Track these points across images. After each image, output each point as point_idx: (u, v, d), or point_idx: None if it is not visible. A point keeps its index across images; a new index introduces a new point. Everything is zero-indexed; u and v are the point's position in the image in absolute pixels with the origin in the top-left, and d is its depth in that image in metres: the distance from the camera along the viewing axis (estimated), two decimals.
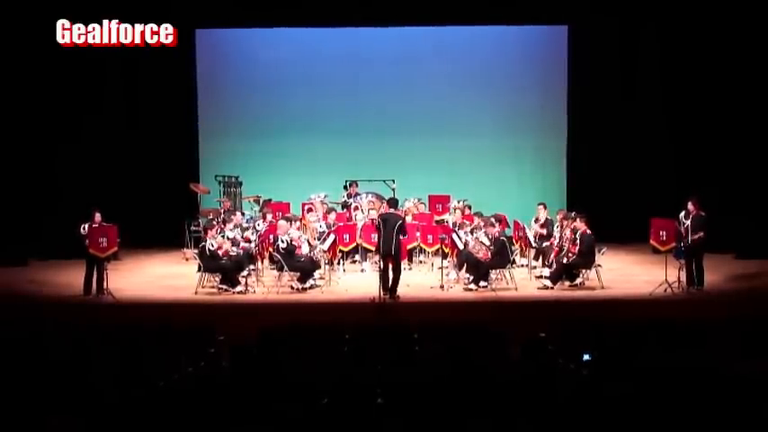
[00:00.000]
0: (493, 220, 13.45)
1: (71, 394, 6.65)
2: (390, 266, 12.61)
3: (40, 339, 8.73)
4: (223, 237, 13.33)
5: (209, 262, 13.02)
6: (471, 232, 13.79)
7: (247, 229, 14.46)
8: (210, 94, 18.22)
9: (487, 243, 13.14)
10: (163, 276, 14.64)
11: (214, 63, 18.27)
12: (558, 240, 13.79)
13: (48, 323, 10.33)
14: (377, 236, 12.91)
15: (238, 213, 15.25)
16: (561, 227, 13.93)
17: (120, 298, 12.69)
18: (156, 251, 16.90)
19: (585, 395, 6.59)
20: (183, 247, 16.34)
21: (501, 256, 13.10)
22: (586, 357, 7.68)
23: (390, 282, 12.59)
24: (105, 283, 12.84)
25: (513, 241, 14.15)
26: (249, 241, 14.00)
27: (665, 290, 12.66)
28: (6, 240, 15.87)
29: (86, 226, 13.16)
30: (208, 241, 13.08)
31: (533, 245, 14.33)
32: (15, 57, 16.25)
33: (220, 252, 13.00)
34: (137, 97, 17.94)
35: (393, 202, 13.31)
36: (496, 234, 13.22)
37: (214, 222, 13.91)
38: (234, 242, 13.41)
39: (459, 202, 15.25)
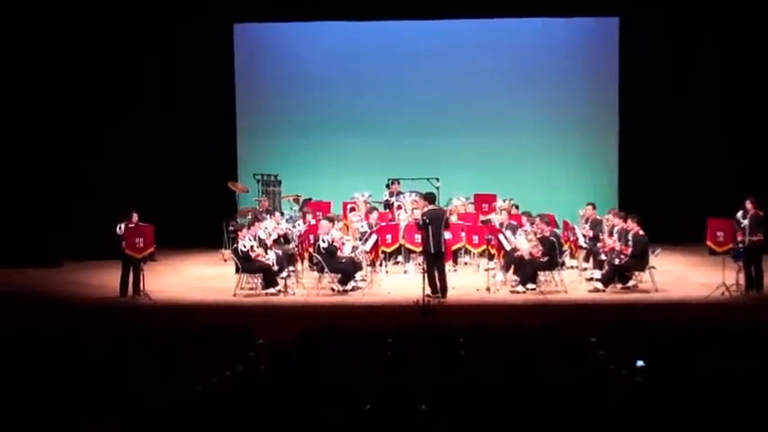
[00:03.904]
0: (548, 219, 13.27)
1: (108, 397, 6.60)
2: (436, 265, 12.43)
3: (75, 341, 8.61)
4: (256, 238, 13.16)
5: (246, 263, 12.86)
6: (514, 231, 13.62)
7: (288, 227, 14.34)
8: (249, 90, 18.06)
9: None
10: (201, 277, 14.56)
11: (253, 58, 18.14)
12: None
13: (83, 325, 10.19)
14: (422, 235, 12.67)
15: (277, 213, 15.14)
16: (610, 227, 13.62)
17: (157, 299, 12.63)
18: (193, 251, 16.80)
19: (639, 403, 6.37)
20: (221, 247, 16.18)
21: (550, 257, 12.83)
22: (640, 363, 7.41)
23: (440, 281, 12.42)
24: (142, 285, 12.78)
25: (563, 242, 13.78)
26: (288, 241, 13.73)
27: (723, 293, 12.39)
28: (41, 241, 15.84)
29: (123, 226, 13.08)
30: (239, 243, 12.92)
31: (584, 246, 14.01)
32: (50, 55, 16.25)
33: (252, 254, 12.82)
34: (174, 94, 17.85)
35: (432, 197, 13.09)
36: (546, 234, 12.94)
37: (255, 222, 13.77)
38: (263, 243, 13.20)
39: (505, 201, 15.02)
